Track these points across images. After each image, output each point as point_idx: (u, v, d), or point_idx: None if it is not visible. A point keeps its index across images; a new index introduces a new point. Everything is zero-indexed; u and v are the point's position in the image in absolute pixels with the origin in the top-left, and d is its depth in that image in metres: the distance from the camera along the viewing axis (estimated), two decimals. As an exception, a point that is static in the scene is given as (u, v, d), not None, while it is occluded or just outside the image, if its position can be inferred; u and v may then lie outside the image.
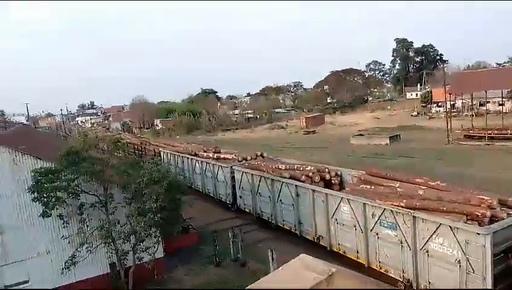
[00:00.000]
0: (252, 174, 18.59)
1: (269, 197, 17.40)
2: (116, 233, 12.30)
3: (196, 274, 14.99)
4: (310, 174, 16.11)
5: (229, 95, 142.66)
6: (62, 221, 12.44)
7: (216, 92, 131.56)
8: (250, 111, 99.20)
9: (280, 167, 18.21)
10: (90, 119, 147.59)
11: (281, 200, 16.67)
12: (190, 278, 14.71)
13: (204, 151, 26.35)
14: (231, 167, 20.76)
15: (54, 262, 13.07)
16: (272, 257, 12.67)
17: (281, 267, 2.88)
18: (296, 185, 15.56)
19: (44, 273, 12.98)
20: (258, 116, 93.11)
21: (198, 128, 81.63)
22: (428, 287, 10.68)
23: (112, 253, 13.12)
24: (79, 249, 12.24)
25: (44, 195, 11.89)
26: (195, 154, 26.44)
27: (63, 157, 12.47)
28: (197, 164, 25.20)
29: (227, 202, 21.58)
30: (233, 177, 20.48)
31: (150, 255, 12.67)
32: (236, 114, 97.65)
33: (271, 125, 78.09)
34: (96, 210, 12.86)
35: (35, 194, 11.92)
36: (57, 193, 12.02)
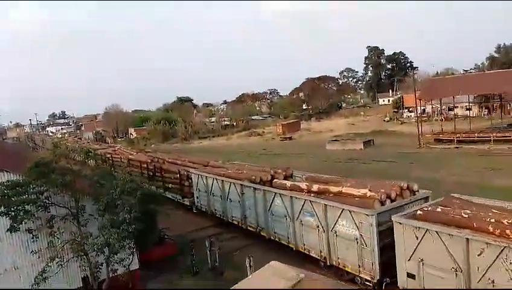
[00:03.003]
0: (468, 240, 9.09)
1: None
2: (89, 246, 11.94)
3: (173, 285, 14.73)
4: None
5: (205, 103, 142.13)
6: (31, 235, 11.99)
7: (192, 99, 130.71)
8: (226, 118, 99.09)
9: None
10: (62, 129, 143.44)
11: None
12: (166, 289, 14.44)
13: (272, 176, 17.80)
14: (377, 214, 11.63)
15: (22, 278, 12.56)
16: (250, 265, 12.62)
17: (251, 275, 2.87)
18: None
19: (12, 290, 12.43)
20: (235, 124, 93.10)
21: (174, 136, 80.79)
22: None
23: (84, 266, 12.72)
24: (49, 264, 11.78)
25: (12, 209, 11.44)
26: (262, 182, 17.48)
27: (31, 169, 12.05)
28: (278, 201, 15.54)
29: (366, 278, 12.14)
30: (381, 234, 11.61)
31: (125, 267, 12.35)
32: (213, 122, 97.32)
33: (248, 132, 78.19)
34: (67, 223, 12.46)
35: (2, 208, 11.45)
36: (25, 206, 11.61)
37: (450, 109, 59.38)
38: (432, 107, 60.61)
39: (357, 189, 13.21)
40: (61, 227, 12.37)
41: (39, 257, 12.36)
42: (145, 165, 28.94)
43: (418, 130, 40.52)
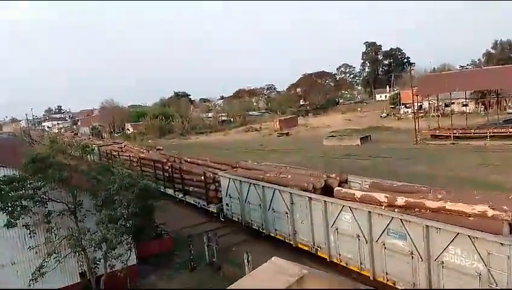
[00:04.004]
0: None
1: None
2: (87, 241, 11.95)
3: (170, 280, 14.78)
4: None
5: (202, 98, 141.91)
6: (28, 231, 11.98)
7: (189, 95, 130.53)
8: (223, 114, 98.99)
9: None
10: (58, 124, 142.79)
11: None
12: (164, 284, 14.49)
13: (327, 182, 15.33)
14: None
15: (20, 273, 12.54)
16: (248, 260, 12.68)
17: (251, 272, 2.88)
18: None
19: (10, 285, 12.41)
20: (232, 119, 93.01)
21: (171, 131, 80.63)
22: None
23: (82, 262, 12.74)
24: (47, 260, 11.79)
25: (9, 204, 11.41)
26: (314, 189, 14.72)
27: (28, 165, 12.01)
28: (347, 216, 12.41)
29: None
30: None
31: (122, 262, 12.37)
32: (210, 117, 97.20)
33: (245, 128, 78.16)
34: (64, 218, 12.45)
35: (-1, 203, 11.42)
36: (23, 201, 11.59)
37: (446, 105, 59.55)
38: (429, 103, 60.72)
39: (471, 205, 9.84)
40: (59, 223, 12.35)
41: (36, 253, 12.40)
42: (160, 165, 25.87)
43: (415, 126, 40.63)
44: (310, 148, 42.98)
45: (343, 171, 16.93)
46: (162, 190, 24.77)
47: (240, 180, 17.70)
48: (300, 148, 43.77)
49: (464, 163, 28.30)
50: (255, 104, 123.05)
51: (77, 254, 12.34)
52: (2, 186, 11.48)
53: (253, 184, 16.81)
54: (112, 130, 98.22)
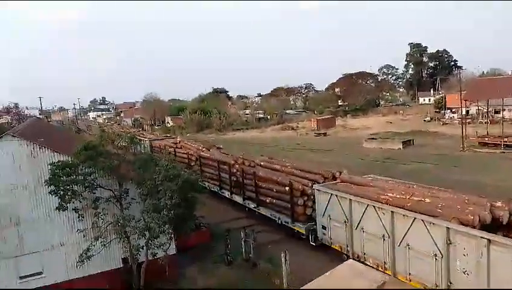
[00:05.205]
0: None
1: None
2: (131, 228, 12.32)
3: (208, 273, 14.96)
4: None
5: (240, 95, 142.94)
6: (77, 214, 12.52)
7: (227, 91, 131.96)
8: (260, 111, 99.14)
9: None
10: (102, 114, 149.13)
11: None
12: (202, 277, 14.68)
13: (491, 213, 10.51)
14: None
15: (67, 255, 13.15)
16: (285, 259, 12.58)
17: (328, 272, 2.78)
18: None
19: (57, 265, 13.06)
20: (269, 117, 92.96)
21: (209, 127, 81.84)
22: None
23: (125, 248, 13.15)
24: (93, 243, 12.28)
25: (61, 188, 11.96)
26: (479, 223, 10.27)
27: (80, 152, 12.52)
28: None
29: None
30: None
31: (164, 251, 12.65)
32: (247, 114, 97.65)
33: (281, 126, 77.88)
34: (111, 205, 12.90)
35: (52, 187, 11.99)
36: (74, 186, 12.12)
37: (496, 112, 56.30)
38: (478, 109, 57.64)
39: None
40: (105, 209, 12.81)
41: (84, 236, 12.94)
42: (227, 168, 22.58)
43: (462, 132, 38.70)
44: (348, 150, 42.12)
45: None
46: (227, 196, 23.06)
47: (351, 199, 13.85)
48: (339, 150, 43.00)
49: (516, 173, 26.61)
50: (292, 102, 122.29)
51: (121, 240, 12.74)
52: (56, 170, 12.03)
53: (375, 207, 12.73)
54: (152, 122, 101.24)
